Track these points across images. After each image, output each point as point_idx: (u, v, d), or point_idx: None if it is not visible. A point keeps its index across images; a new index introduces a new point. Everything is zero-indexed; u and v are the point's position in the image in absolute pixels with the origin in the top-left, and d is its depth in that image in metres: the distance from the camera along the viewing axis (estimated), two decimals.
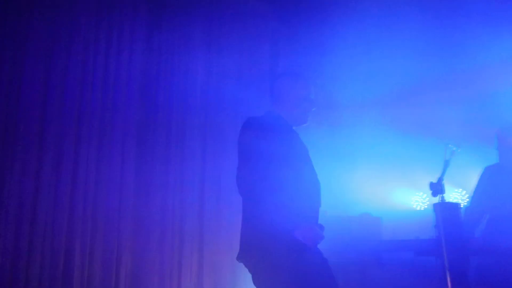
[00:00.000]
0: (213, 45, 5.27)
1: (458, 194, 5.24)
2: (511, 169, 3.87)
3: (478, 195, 4.08)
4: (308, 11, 5.16)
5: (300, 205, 2.47)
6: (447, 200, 3.48)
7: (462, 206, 4.45)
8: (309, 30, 5.29)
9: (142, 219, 4.56)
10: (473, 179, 4.21)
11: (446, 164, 3.54)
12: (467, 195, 5.05)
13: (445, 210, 3.40)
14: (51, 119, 4.13)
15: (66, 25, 4.30)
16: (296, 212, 2.43)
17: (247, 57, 5.42)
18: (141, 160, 4.68)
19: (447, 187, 3.66)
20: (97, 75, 4.48)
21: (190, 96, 5.00)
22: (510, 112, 4.22)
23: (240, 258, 2.57)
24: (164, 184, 4.73)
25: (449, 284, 3.35)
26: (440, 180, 3.43)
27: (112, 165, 4.49)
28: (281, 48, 5.67)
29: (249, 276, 4.78)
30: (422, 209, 5.63)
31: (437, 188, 3.39)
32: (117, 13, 4.64)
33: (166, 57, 4.94)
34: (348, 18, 4.86)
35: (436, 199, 3.45)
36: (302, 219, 2.42)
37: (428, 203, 5.51)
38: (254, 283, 2.55)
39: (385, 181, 5.35)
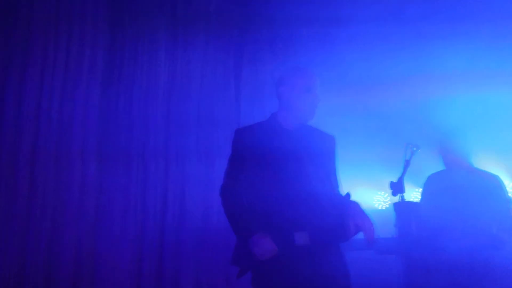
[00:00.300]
0: (177, 46, 5.21)
1: (418, 194, 5.32)
2: (457, 174, 3.89)
3: (425, 201, 4.14)
4: (270, 9, 5.15)
5: (259, 212, 2.41)
6: (407, 200, 3.55)
7: None
8: (273, 27, 5.28)
9: (102, 219, 4.47)
10: None
11: (406, 164, 3.60)
12: None
13: (405, 209, 3.46)
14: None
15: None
16: (255, 220, 2.37)
17: (211, 58, 5.39)
18: (102, 159, 4.59)
19: (407, 187, 3.71)
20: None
21: (152, 98, 4.94)
22: (453, 117, 4.31)
23: None
24: (126, 184, 4.64)
25: (409, 282, 3.41)
26: (400, 179, 3.48)
27: (72, 164, 4.40)
28: (246, 49, 5.65)
29: (212, 281, 4.79)
30: (384, 208, 5.71)
31: (397, 188, 3.44)
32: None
33: (129, 56, 4.87)
34: (309, 14, 4.89)
35: (396, 198, 3.51)
36: (258, 229, 2.33)
37: (389, 202, 5.58)
38: None
39: (347, 181, 5.38)
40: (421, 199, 4.20)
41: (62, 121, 4.43)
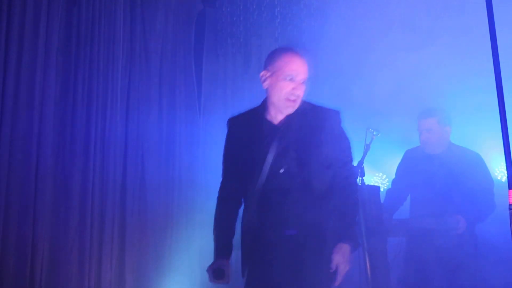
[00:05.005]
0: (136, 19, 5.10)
1: (378, 178, 5.35)
2: (434, 151, 3.87)
3: (398, 178, 4.16)
4: None
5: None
6: (367, 183, 3.55)
7: (382, 189, 4.57)
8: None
9: (60, 202, 4.35)
10: (393, 163, 4.29)
11: (366, 148, 3.61)
12: (387, 179, 5.17)
13: (365, 193, 3.46)
14: None
15: None
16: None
17: (171, 33, 5.29)
18: (60, 139, 4.45)
19: (368, 171, 3.72)
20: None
21: (111, 76, 4.80)
22: (430, 95, 4.24)
23: None
24: (84, 164, 4.51)
25: (368, 266, 3.43)
26: (360, 163, 3.49)
27: (28, 144, 4.24)
28: (207, 29, 5.57)
29: (174, 262, 4.75)
30: None
31: (357, 171, 3.44)
32: None
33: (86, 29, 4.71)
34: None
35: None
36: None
37: None
38: None
39: None
40: (397, 172, 4.15)
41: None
